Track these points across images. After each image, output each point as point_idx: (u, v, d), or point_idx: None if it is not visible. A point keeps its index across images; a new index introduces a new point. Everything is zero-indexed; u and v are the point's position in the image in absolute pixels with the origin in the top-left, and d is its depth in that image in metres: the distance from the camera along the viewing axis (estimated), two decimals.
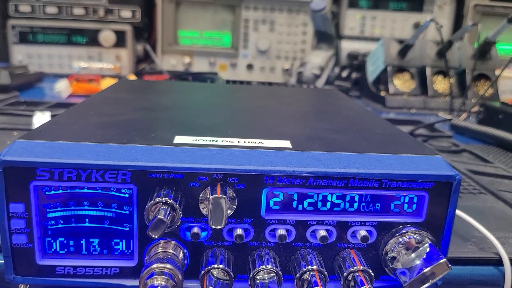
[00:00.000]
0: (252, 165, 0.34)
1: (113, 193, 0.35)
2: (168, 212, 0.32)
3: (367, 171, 0.35)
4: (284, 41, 1.61)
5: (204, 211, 0.35)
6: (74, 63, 1.49)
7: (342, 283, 0.35)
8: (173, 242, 0.35)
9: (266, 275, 0.34)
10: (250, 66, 1.61)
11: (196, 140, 0.37)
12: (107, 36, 1.49)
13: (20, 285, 0.38)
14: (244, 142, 0.38)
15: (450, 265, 0.34)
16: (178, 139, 0.37)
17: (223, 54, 1.60)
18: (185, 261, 0.36)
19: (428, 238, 0.36)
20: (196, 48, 1.58)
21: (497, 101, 1.19)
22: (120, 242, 0.36)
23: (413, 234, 0.36)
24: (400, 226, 0.37)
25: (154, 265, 0.32)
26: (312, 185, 0.35)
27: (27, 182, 0.33)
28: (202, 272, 0.34)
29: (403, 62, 1.34)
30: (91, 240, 0.36)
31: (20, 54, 1.47)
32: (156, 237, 0.31)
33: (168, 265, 0.33)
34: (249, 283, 0.34)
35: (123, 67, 1.51)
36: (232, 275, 0.34)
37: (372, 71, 1.40)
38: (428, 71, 1.33)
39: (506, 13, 1.65)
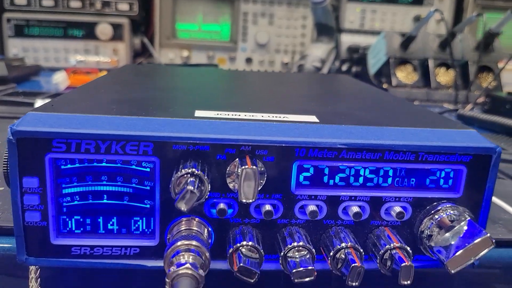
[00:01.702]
0: (282, 136, 0.32)
1: (133, 167, 0.32)
2: (197, 184, 0.29)
3: (403, 142, 0.33)
4: (283, 35, 1.59)
5: (231, 186, 0.32)
6: (71, 57, 1.46)
7: (378, 261, 0.33)
8: (197, 219, 0.33)
9: (297, 253, 0.32)
10: (249, 60, 1.59)
11: (218, 114, 0.35)
12: (104, 29, 1.46)
13: (30, 267, 0.36)
14: (269, 116, 0.36)
15: (494, 240, 0.32)
16: (199, 113, 0.35)
17: (222, 48, 1.58)
18: (210, 240, 0.34)
19: (466, 214, 0.34)
20: (195, 41, 1.56)
21: (502, 92, 1.18)
22: (140, 220, 0.34)
23: (450, 210, 0.34)
24: (436, 203, 0.35)
25: (179, 242, 0.30)
26: (345, 158, 0.33)
27: (42, 154, 0.31)
28: (231, 250, 0.32)
29: (405, 54, 1.33)
30: (109, 218, 0.33)
31: (15, 47, 1.44)
32: (185, 209, 0.29)
33: (194, 242, 0.30)
34: (280, 262, 0.32)
35: (120, 61, 1.48)
36: (262, 252, 0.32)
37: (374, 64, 1.38)
38: (431, 63, 1.32)
39: (506, 7, 1.64)
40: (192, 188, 0.29)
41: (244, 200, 0.30)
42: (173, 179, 0.30)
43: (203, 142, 0.31)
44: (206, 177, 0.30)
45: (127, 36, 1.48)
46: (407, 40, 1.31)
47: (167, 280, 0.28)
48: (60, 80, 1.10)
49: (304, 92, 0.53)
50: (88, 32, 1.46)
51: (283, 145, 0.32)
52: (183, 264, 0.28)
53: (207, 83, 0.55)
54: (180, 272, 0.28)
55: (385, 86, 1.30)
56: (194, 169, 0.30)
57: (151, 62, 1.59)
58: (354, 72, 1.51)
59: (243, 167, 0.30)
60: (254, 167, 0.30)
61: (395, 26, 1.64)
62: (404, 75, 1.32)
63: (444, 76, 1.33)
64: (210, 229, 0.34)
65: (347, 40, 1.64)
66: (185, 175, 0.30)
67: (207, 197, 0.31)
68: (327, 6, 1.35)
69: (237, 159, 0.32)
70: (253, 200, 0.31)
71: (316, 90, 0.58)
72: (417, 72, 1.33)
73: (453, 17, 1.69)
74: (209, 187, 0.31)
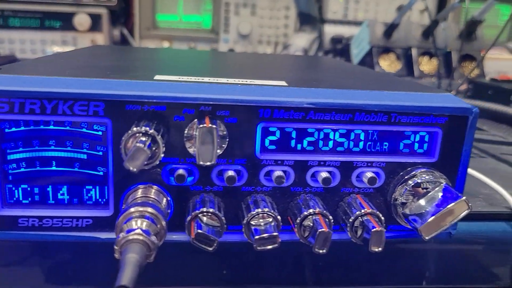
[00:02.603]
0: (245, 95, 0.30)
1: (84, 130, 0.30)
2: (148, 143, 0.27)
3: (375, 102, 0.31)
4: (266, 25, 1.57)
5: (191, 150, 0.30)
6: (48, 48, 1.42)
7: (348, 230, 0.31)
8: (155, 187, 0.31)
9: (261, 221, 0.30)
10: (231, 51, 1.56)
11: (179, 78, 0.33)
12: (82, 19, 1.42)
13: None
14: (235, 81, 0.33)
15: (470, 204, 0.30)
16: (159, 77, 0.33)
17: (203, 39, 1.55)
18: (169, 211, 0.31)
19: (443, 179, 0.32)
20: (175, 32, 1.53)
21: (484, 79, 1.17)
22: (93, 189, 0.31)
23: (425, 175, 0.32)
24: (411, 168, 0.33)
25: (133, 209, 0.28)
26: (313, 120, 0.31)
27: None
28: (189, 218, 0.29)
29: (388, 43, 1.31)
30: (59, 186, 0.31)
31: None
32: (135, 169, 0.26)
33: (149, 209, 0.28)
34: (243, 230, 0.30)
35: None
36: (224, 220, 0.29)
37: (357, 54, 1.37)
38: (414, 52, 1.31)
39: None
40: (142, 145, 0.26)
41: (202, 163, 0.28)
42: (123, 138, 0.28)
43: (159, 101, 0.29)
44: (160, 137, 0.28)
45: (106, 27, 1.45)
46: (390, 28, 1.29)
47: (115, 247, 0.25)
48: None
49: (278, 65, 0.51)
50: (66, 22, 1.43)
51: (246, 104, 0.30)
52: (134, 230, 0.26)
53: (178, 57, 0.53)
54: (130, 238, 0.25)
55: None
56: (146, 128, 0.27)
57: None
58: None
59: (200, 125, 0.28)
60: (213, 126, 0.28)
61: (379, 16, 1.63)
62: (388, 64, 1.31)
63: (427, 65, 1.31)
64: (169, 198, 0.31)
65: (330, 30, 1.62)
66: (137, 134, 0.27)
67: (161, 160, 0.29)
68: None
69: (195, 120, 0.29)
70: (212, 163, 0.28)
71: (290, 64, 0.55)
72: (401, 61, 1.31)
73: (437, 5, 1.68)
74: (164, 149, 0.28)
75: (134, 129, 0.27)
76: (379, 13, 1.63)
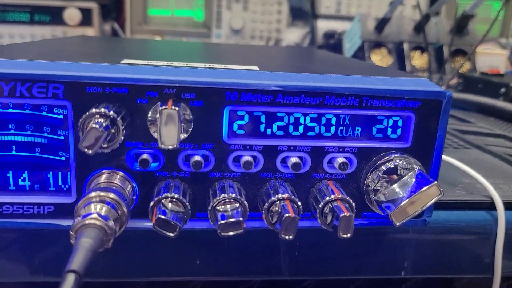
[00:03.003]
0: (210, 77, 0.29)
1: (44, 113, 0.29)
2: (106, 125, 0.26)
3: (345, 85, 0.30)
4: (258, 20, 1.56)
5: (155, 135, 0.29)
6: None
7: (318, 216, 0.30)
8: (120, 173, 0.30)
9: (228, 206, 0.29)
10: (220, 44, 1.55)
11: (147, 62, 0.32)
12: (72, 14, 1.41)
13: None
14: (204, 65, 0.32)
15: (442, 189, 0.29)
16: (126, 61, 0.32)
17: (196, 34, 1.54)
18: (134, 197, 0.30)
19: (416, 165, 0.31)
20: (167, 27, 1.52)
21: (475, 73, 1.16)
22: (55, 175, 0.30)
23: (398, 161, 0.31)
24: (384, 153, 0.32)
25: (93, 193, 0.27)
26: (282, 103, 0.30)
27: None
28: (152, 203, 0.28)
29: (380, 38, 1.30)
30: (20, 172, 0.30)
31: None
32: (90, 152, 0.25)
33: (111, 194, 0.27)
34: (208, 216, 0.29)
35: None
36: (189, 206, 0.29)
37: (349, 48, 1.36)
38: (406, 46, 1.30)
39: None
40: (97, 127, 0.25)
41: (163, 146, 0.27)
42: (80, 120, 0.27)
43: (121, 83, 0.28)
44: (119, 120, 0.27)
45: (96, 22, 1.43)
46: (382, 22, 1.29)
47: (71, 232, 0.24)
48: None
49: (256, 54, 0.50)
50: (56, 17, 1.41)
51: (212, 86, 0.29)
52: (91, 214, 0.25)
53: (155, 46, 0.52)
54: (86, 222, 0.24)
55: None
56: (105, 110, 0.26)
57: None
58: None
59: (162, 107, 0.27)
60: (175, 108, 0.27)
61: (372, 12, 1.62)
62: (379, 58, 1.30)
63: (419, 60, 1.31)
64: (134, 185, 0.30)
65: (323, 26, 1.61)
66: (95, 115, 0.26)
67: (124, 145, 0.28)
68: None
69: (159, 103, 0.28)
70: (175, 146, 0.27)
71: (269, 53, 0.55)
72: (392, 55, 1.31)
73: (430, 1, 1.68)
74: (124, 132, 0.27)
75: (93, 110, 0.26)
76: (372, 8, 1.62)
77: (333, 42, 1.49)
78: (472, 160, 0.52)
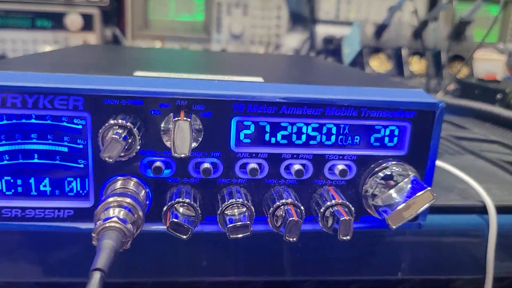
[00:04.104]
0: (219, 90, 0.31)
1: (64, 123, 0.31)
2: (124, 135, 0.28)
3: (345, 97, 0.32)
4: (258, 26, 1.58)
5: (167, 143, 0.31)
6: (39, 48, 1.43)
7: (320, 220, 0.32)
8: (134, 179, 0.32)
9: (236, 210, 0.31)
10: (223, 51, 1.57)
11: (159, 74, 0.34)
12: (73, 19, 1.43)
13: None
14: (212, 77, 0.35)
15: (435, 194, 0.31)
16: (139, 73, 0.34)
17: (196, 39, 1.56)
18: (147, 202, 0.33)
19: (411, 172, 0.33)
20: (168, 32, 1.54)
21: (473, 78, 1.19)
22: (74, 181, 0.32)
23: (395, 168, 0.33)
24: (381, 161, 0.34)
25: (111, 199, 0.29)
26: (285, 114, 0.32)
27: None
28: (165, 208, 0.31)
29: (379, 43, 1.33)
30: (41, 178, 0.32)
31: None
32: (111, 160, 0.28)
33: (127, 199, 0.29)
34: (217, 219, 0.31)
35: None
36: (199, 210, 0.31)
37: (348, 54, 1.38)
38: (404, 52, 1.32)
39: None
40: (118, 137, 0.27)
41: (177, 155, 0.29)
42: (100, 131, 0.29)
43: (136, 96, 0.30)
44: (136, 130, 0.29)
45: (97, 27, 1.46)
46: (380, 29, 1.31)
47: (93, 234, 0.27)
48: None
49: (260, 64, 0.52)
50: (57, 22, 1.43)
51: (221, 99, 0.31)
52: (111, 218, 0.27)
53: (162, 55, 0.54)
54: (107, 225, 0.27)
55: None
56: (122, 121, 0.28)
57: None
58: None
59: (175, 119, 0.29)
60: (187, 119, 0.29)
61: (370, 17, 1.64)
62: (378, 64, 1.32)
63: (417, 65, 1.33)
64: (147, 190, 0.32)
65: (322, 31, 1.63)
66: (113, 127, 0.28)
67: (139, 153, 0.30)
68: None
69: (171, 114, 0.31)
70: (187, 154, 0.30)
71: (272, 63, 0.57)
72: (391, 61, 1.33)
73: (428, 6, 1.70)
74: (140, 141, 0.29)
75: (111, 121, 0.28)
76: (371, 13, 1.64)
77: (332, 47, 1.51)
78: (467, 166, 0.54)
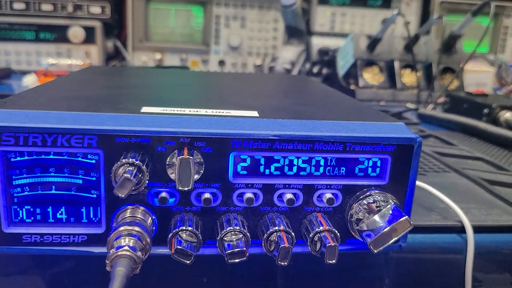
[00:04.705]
0: (218, 129, 0.35)
1: (79, 159, 0.35)
2: (134, 173, 0.32)
3: (331, 134, 0.36)
4: (255, 37, 1.62)
5: (172, 176, 0.35)
6: (43, 60, 1.46)
7: (309, 244, 0.36)
8: (141, 208, 0.36)
9: (234, 237, 0.35)
10: (221, 62, 1.61)
11: (163, 110, 0.38)
12: (76, 32, 1.47)
13: None
14: (212, 112, 0.38)
15: (412, 222, 0.35)
16: (146, 109, 0.38)
17: (195, 50, 1.60)
18: (154, 228, 0.36)
19: (392, 200, 0.37)
20: (167, 44, 1.58)
21: (462, 91, 1.22)
22: (88, 210, 0.36)
23: (377, 196, 0.37)
24: (365, 189, 0.38)
25: (122, 228, 0.32)
26: (278, 149, 0.36)
27: None
28: (170, 235, 0.34)
29: (372, 56, 1.37)
30: (58, 207, 0.36)
31: None
32: (123, 196, 0.31)
33: (136, 228, 0.33)
34: (217, 245, 0.35)
35: (92, 64, 1.49)
36: (201, 237, 0.34)
37: (342, 66, 1.42)
38: (396, 64, 1.36)
39: (471, 9, 1.69)
40: (129, 176, 0.31)
41: (180, 188, 0.33)
42: (113, 168, 0.32)
43: (144, 135, 0.34)
44: (144, 167, 0.32)
45: (99, 39, 1.50)
46: (373, 42, 1.35)
47: (107, 261, 0.30)
48: (30, 83, 1.12)
49: (256, 91, 0.56)
50: (60, 35, 1.47)
51: (220, 137, 0.35)
52: (122, 247, 0.30)
53: (163, 82, 0.57)
54: (119, 253, 0.30)
55: (352, 87, 1.34)
56: (133, 159, 0.32)
57: (124, 65, 1.61)
58: (324, 74, 1.54)
59: (179, 157, 0.33)
60: (190, 157, 0.33)
61: (364, 29, 1.68)
62: (371, 76, 1.36)
63: (409, 77, 1.37)
64: (153, 217, 0.36)
65: (317, 42, 1.67)
66: (124, 165, 0.32)
67: (146, 185, 0.34)
68: (297, 9, 1.38)
69: (176, 150, 0.34)
70: (190, 188, 0.33)
71: (268, 88, 0.60)
72: (384, 73, 1.37)
73: (420, 20, 1.74)
74: (148, 176, 0.33)
75: (123, 160, 0.32)
76: (365, 26, 1.68)
77: (328, 59, 1.55)
78: (450, 185, 0.58)
